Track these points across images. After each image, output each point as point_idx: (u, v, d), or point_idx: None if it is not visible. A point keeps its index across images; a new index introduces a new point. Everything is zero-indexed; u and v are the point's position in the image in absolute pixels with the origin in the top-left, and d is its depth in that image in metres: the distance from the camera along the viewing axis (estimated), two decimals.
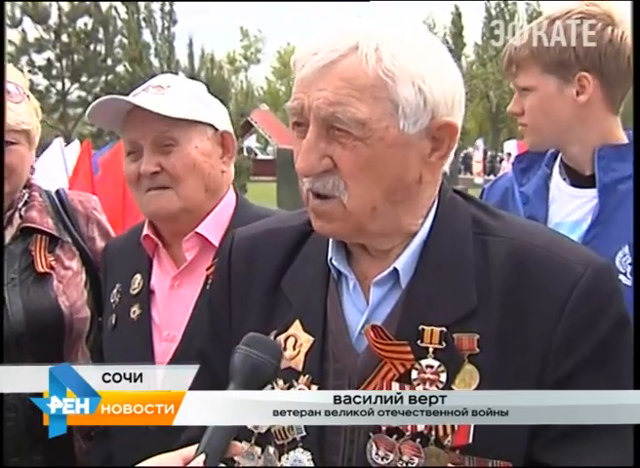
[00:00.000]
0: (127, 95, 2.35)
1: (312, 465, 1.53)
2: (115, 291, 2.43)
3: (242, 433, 1.53)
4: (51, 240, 2.59)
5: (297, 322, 1.60)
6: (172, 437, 2.20)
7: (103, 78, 20.92)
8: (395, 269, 1.54)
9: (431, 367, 1.48)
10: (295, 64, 1.50)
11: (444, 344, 1.48)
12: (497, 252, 1.53)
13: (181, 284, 2.34)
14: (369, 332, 1.50)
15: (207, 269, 2.28)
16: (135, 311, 2.35)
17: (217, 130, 2.36)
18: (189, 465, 1.36)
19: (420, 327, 1.49)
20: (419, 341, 1.49)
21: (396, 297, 1.55)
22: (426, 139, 1.49)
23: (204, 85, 2.47)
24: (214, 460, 1.37)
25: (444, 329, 1.48)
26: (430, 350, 1.48)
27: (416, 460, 1.46)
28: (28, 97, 2.57)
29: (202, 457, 1.36)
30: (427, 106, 1.46)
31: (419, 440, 1.47)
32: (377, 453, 1.49)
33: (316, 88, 1.44)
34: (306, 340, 1.58)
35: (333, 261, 1.60)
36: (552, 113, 2.45)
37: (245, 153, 22.53)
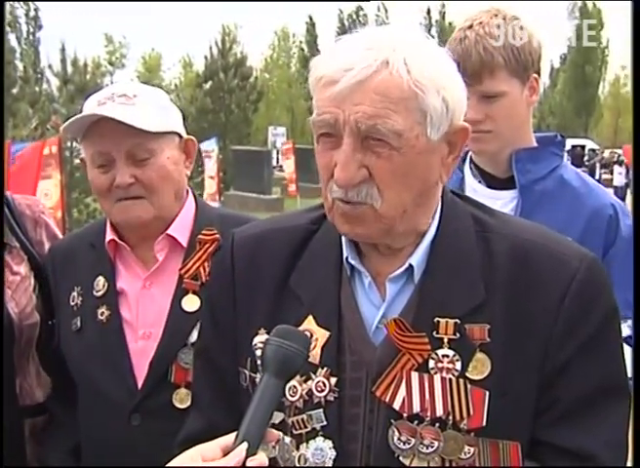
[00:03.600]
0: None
1: (334, 453, 1.54)
2: (75, 293, 2.35)
3: None
4: None
5: (310, 317, 1.59)
6: (139, 428, 2.17)
7: None
8: (410, 265, 1.56)
9: (447, 356, 1.51)
10: (320, 80, 1.48)
11: (458, 335, 1.51)
12: (498, 247, 1.57)
13: (153, 284, 2.30)
14: (392, 325, 1.52)
15: (180, 269, 2.26)
16: (102, 312, 2.29)
17: (181, 137, 2.34)
18: (231, 454, 1.33)
19: (435, 319, 1.52)
20: (434, 333, 1.52)
21: (409, 292, 1.57)
22: (444, 143, 1.53)
23: (164, 92, 2.40)
24: (254, 448, 1.35)
25: (457, 320, 1.51)
26: (445, 340, 1.51)
27: (436, 443, 1.49)
28: None
29: (244, 445, 1.34)
30: (449, 113, 1.50)
31: (437, 424, 1.50)
32: (399, 439, 1.50)
33: (352, 102, 1.43)
34: (322, 335, 1.58)
35: (350, 260, 1.60)
36: (517, 117, 2.47)
37: None
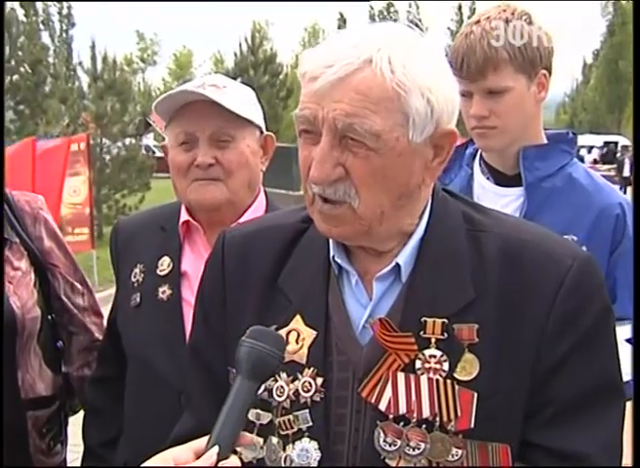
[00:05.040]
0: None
1: (319, 454, 1.51)
2: (137, 270, 2.42)
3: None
4: None
5: (297, 317, 1.57)
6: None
7: (8, 78, 20.11)
8: (397, 264, 1.53)
9: (434, 356, 1.48)
10: (305, 75, 1.46)
11: (445, 335, 1.48)
12: (489, 246, 1.53)
13: None
14: (377, 325, 1.49)
15: None
16: (164, 291, 2.36)
17: (262, 132, 2.43)
18: (202, 458, 1.32)
19: (423, 319, 1.49)
20: (421, 332, 1.48)
21: (397, 292, 1.54)
22: (429, 147, 1.49)
23: (252, 89, 2.50)
24: (226, 451, 1.34)
25: (445, 320, 1.48)
26: (433, 340, 1.48)
27: (422, 445, 1.46)
28: None
29: (215, 449, 1.33)
30: (434, 116, 1.45)
31: (424, 426, 1.47)
32: (385, 440, 1.47)
33: (331, 99, 1.41)
34: (309, 334, 1.55)
35: (336, 259, 1.58)
36: (523, 112, 2.43)
37: (144, 151, 22.13)
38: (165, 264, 2.38)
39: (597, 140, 47.05)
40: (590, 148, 45.66)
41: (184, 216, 2.41)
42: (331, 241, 1.59)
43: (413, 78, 1.41)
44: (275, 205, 2.49)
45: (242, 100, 2.34)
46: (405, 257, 1.54)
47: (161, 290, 2.35)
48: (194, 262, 2.37)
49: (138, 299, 2.39)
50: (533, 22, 2.39)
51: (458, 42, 2.42)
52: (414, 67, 1.42)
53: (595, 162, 41.12)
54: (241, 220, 2.33)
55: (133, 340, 2.40)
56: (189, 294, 2.32)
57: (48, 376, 2.55)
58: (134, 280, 2.42)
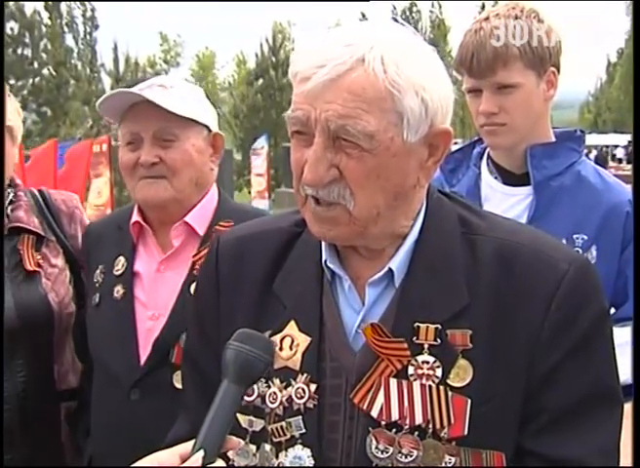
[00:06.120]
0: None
1: (312, 461, 1.50)
2: (98, 271, 2.48)
3: (236, 432, 1.47)
4: (37, 239, 2.57)
5: (292, 322, 1.55)
6: (137, 404, 2.29)
7: (30, 81, 20.28)
8: (390, 269, 1.51)
9: (427, 362, 1.46)
10: (296, 75, 1.44)
11: (439, 341, 1.46)
12: (484, 250, 1.51)
13: (167, 268, 2.40)
14: (368, 331, 1.47)
15: (193, 256, 2.35)
16: (118, 290, 2.40)
17: (210, 131, 2.45)
18: (188, 462, 1.31)
19: (416, 324, 1.47)
20: (414, 338, 1.46)
21: (390, 296, 1.52)
22: (424, 146, 1.47)
23: (201, 89, 2.55)
24: (212, 455, 1.33)
25: (438, 326, 1.46)
26: (426, 346, 1.46)
27: (415, 453, 1.44)
28: (9, 95, 2.54)
29: (200, 453, 1.32)
30: (428, 115, 1.43)
31: (417, 433, 1.44)
32: (377, 447, 1.45)
33: (323, 100, 1.38)
34: (303, 340, 1.54)
35: (328, 263, 1.56)
36: (532, 110, 2.41)
37: None
38: (120, 264, 2.43)
39: (621, 139, 46.69)
40: (615, 147, 45.28)
41: (135, 217, 2.46)
42: (323, 244, 1.57)
43: (406, 77, 1.39)
44: (230, 203, 2.53)
45: (188, 100, 2.38)
46: (398, 262, 1.52)
47: (116, 289, 2.41)
48: (146, 262, 2.43)
49: (97, 299, 2.45)
50: (541, 21, 2.37)
51: (467, 38, 2.41)
52: (407, 66, 1.40)
53: (620, 161, 40.79)
54: (187, 218, 2.39)
55: (93, 340, 2.47)
56: (142, 294, 2.38)
57: (78, 369, 2.65)
58: (95, 281, 2.48)
